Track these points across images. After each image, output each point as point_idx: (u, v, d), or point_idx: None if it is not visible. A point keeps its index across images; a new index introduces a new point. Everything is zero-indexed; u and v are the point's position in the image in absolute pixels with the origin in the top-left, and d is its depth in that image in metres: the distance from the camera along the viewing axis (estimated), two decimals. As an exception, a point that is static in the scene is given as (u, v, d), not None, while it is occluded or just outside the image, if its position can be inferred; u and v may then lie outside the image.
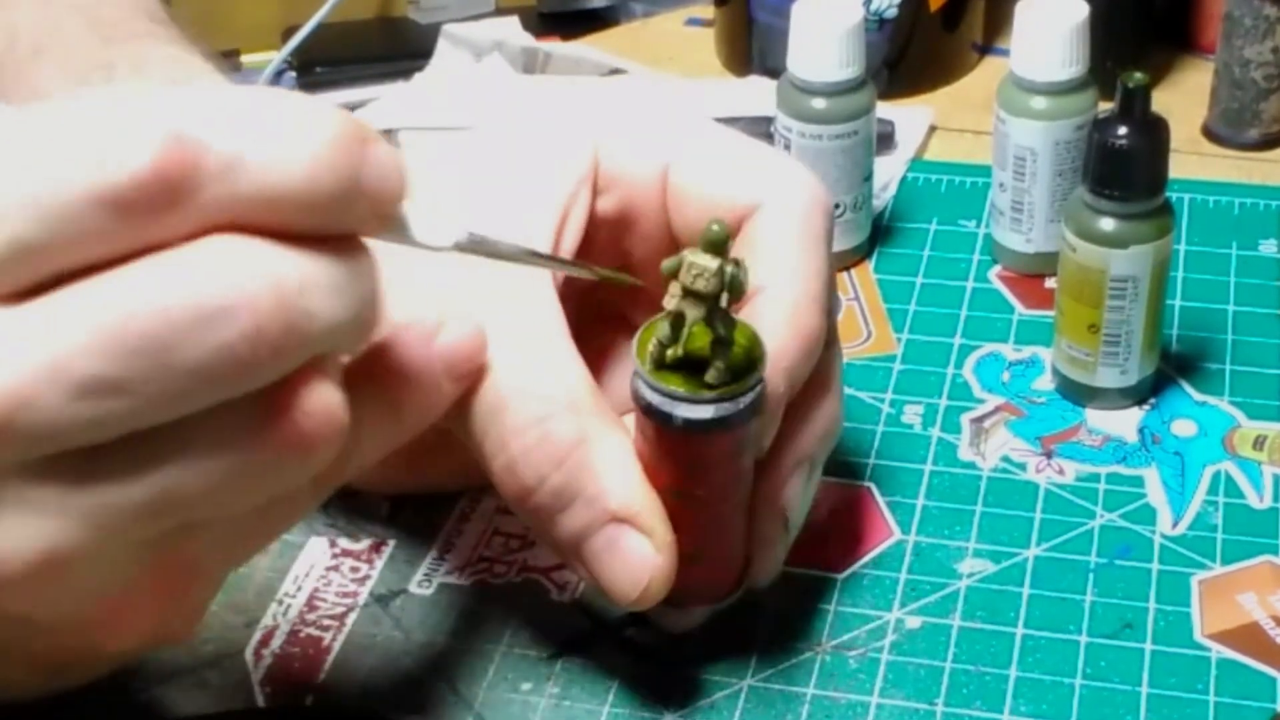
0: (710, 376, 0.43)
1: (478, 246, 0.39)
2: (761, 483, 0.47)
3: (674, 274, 0.42)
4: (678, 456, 0.44)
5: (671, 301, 0.42)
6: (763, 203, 0.48)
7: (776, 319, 0.45)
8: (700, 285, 0.41)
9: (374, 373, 0.39)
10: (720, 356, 0.43)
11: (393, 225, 0.36)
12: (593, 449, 0.44)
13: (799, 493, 0.48)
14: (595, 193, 0.49)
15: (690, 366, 0.43)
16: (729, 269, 0.42)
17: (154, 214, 0.32)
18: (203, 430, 0.34)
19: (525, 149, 0.50)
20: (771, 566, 0.49)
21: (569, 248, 0.48)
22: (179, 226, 0.32)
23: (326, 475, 0.37)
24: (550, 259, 0.43)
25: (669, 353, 0.43)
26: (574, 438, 0.44)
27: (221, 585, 0.40)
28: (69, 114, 0.33)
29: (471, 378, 0.43)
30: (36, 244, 0.32)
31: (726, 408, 0.43)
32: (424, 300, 0.43)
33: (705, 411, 0.43)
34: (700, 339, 0.43)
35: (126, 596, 0.36)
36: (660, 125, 0.50)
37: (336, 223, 0.34)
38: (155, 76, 0.58)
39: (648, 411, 0.43)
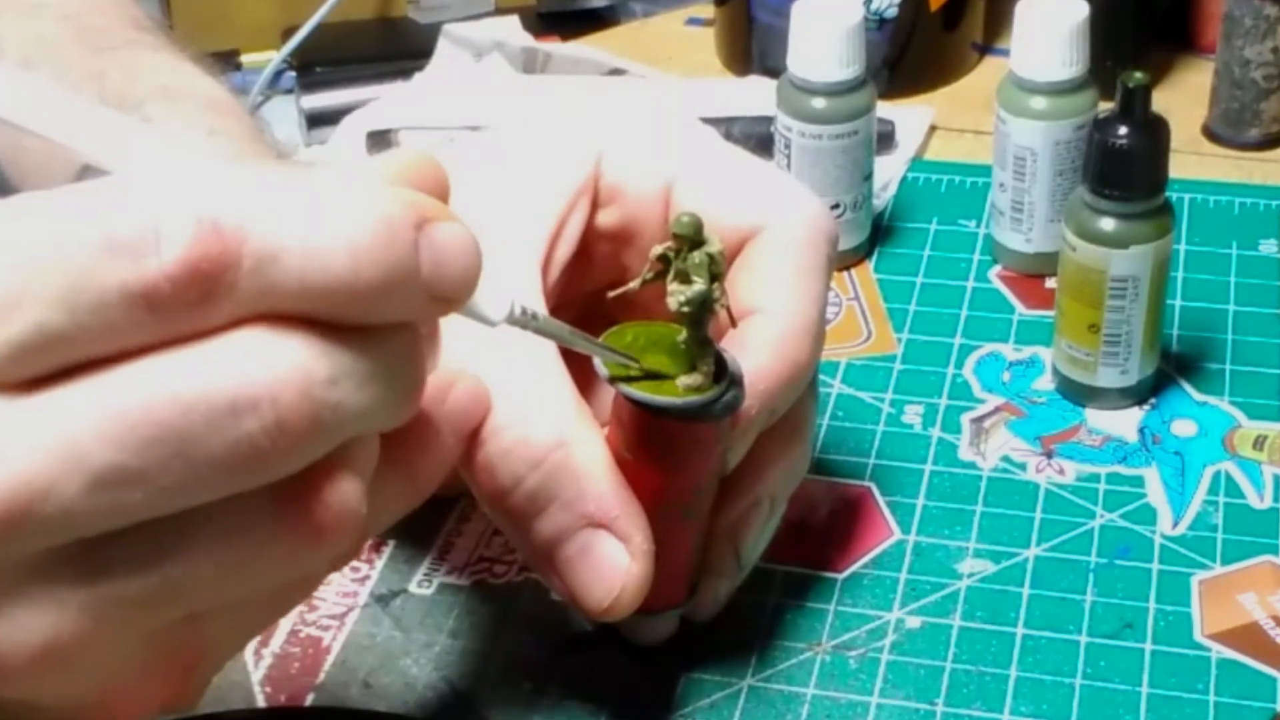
0: (700, 372, 0.43)
1: (527, 322, 0.38)
2: (721, 512, 0.47)
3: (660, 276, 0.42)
4: (656, 448, 0.44)
5: (672, 301, 0.42)
6: (764, 226, 0.47)
7: (765, 341, 0.45)
8: (686, 308, 0.42)
9: (389, 443, 0.38)
10: (707, 357, 0.43)
11: (459, 307, 0.34)
12: (572, 452, 0.44)
13: (757, 529, 0.48)
14: (596, 205, 0.49)
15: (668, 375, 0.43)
16: (699, 287, 0.41)
17: (186, 308, 0.31)
18: (217, 520, 0.33)
19: (527, 156, 0.49)
20: (715, 599, 0.49)
21: (562, 257, 0.47)
22: (211, 318, 0.31)
23: (340, 555, 0.37)
24: (591, 342, 0.42)
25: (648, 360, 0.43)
26: (553, 440, 0.44)
27: (229, 660, 0.39)
28: (99, 195, 0.31)
29: (474, 432, 0.43)
30: (63, 334, 0.30)
31: (711, 396, 0.43)
32: None
33: (692, 400, 0.43)
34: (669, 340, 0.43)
35: (132, 681, 0.35)
36: (666, 140, 0.50)
37: (383, 313, 0.33)
38: (147, 84, 0.57)
39: (632, 402, 0.43)
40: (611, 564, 0.44)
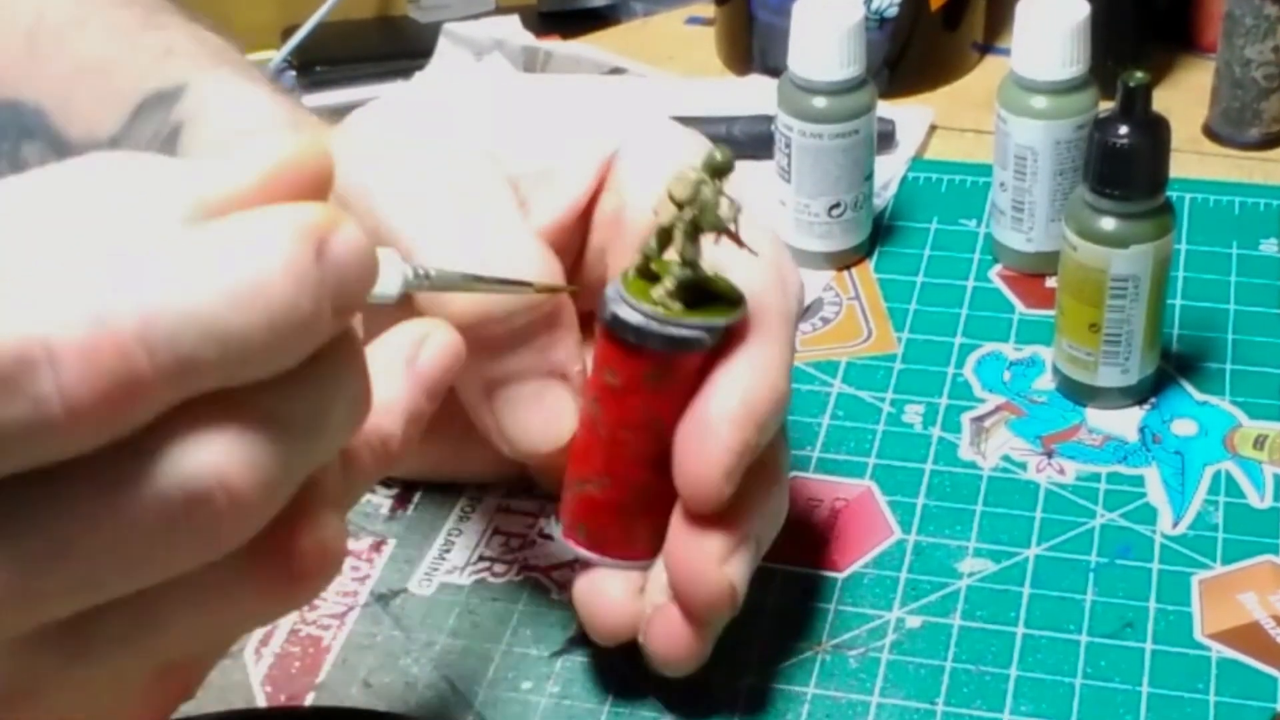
0: (661, 290, 0.43)
1: (421, 283, 0.38)
2: (709, 541, 0.46)
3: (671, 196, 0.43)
4: (607, 360, 0.44)
5: (665, 217, 0.43)
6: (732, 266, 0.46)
7: (748, 367, 0.45)
8: (678, 191, 0.42)
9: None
10: (683, 275, 0.43)
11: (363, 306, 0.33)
12: (565, 307, 0.46)
13: (746, 570, 0.46)
14: (602, 187, 0.49)
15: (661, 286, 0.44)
16: (708, 190, 0.42)
17: (95, 431, 0.28)
18: (191, 586, 0.31)
19: (558, 133, 0.50)
20: (701, 648, 0.47)
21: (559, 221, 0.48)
22: (131, 424, 0.29)
23: None
24: (488, 280, 0.42)
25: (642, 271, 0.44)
26: (549, 299, 0.45)
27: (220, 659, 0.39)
28: None
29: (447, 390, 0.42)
30: None
31: (678, 330, 0.43)
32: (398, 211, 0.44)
33: (649, 323, 0.43)
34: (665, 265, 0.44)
35: (141, 707, 0.35)
36: (670, 154, 0.49)
37: (308, 347, 0.31)
38: (212, 45, 0.59)
39: (601, 312, 0.44)
40: (560, 413, 0.46)
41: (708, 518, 0.45)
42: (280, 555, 0.32)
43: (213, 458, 0.30)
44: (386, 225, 0.45)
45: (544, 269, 0.45)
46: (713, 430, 0.44)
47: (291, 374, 0.31)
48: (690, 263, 0.43)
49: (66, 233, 0.29)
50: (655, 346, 0.43)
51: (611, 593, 0.47)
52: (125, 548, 0.30)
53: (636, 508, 0.46)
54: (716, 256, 0.44)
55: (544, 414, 0.46)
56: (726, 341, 0.45)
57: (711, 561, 0.45)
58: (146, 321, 0.28)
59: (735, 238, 0.43)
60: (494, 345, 0.45)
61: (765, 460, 0.46)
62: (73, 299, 0.28)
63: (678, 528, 0.46)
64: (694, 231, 0.43)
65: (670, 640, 0.46)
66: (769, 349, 0.45)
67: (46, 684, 0.32)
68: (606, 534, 0.47)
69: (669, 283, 0.43)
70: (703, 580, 0.45)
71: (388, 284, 0.35)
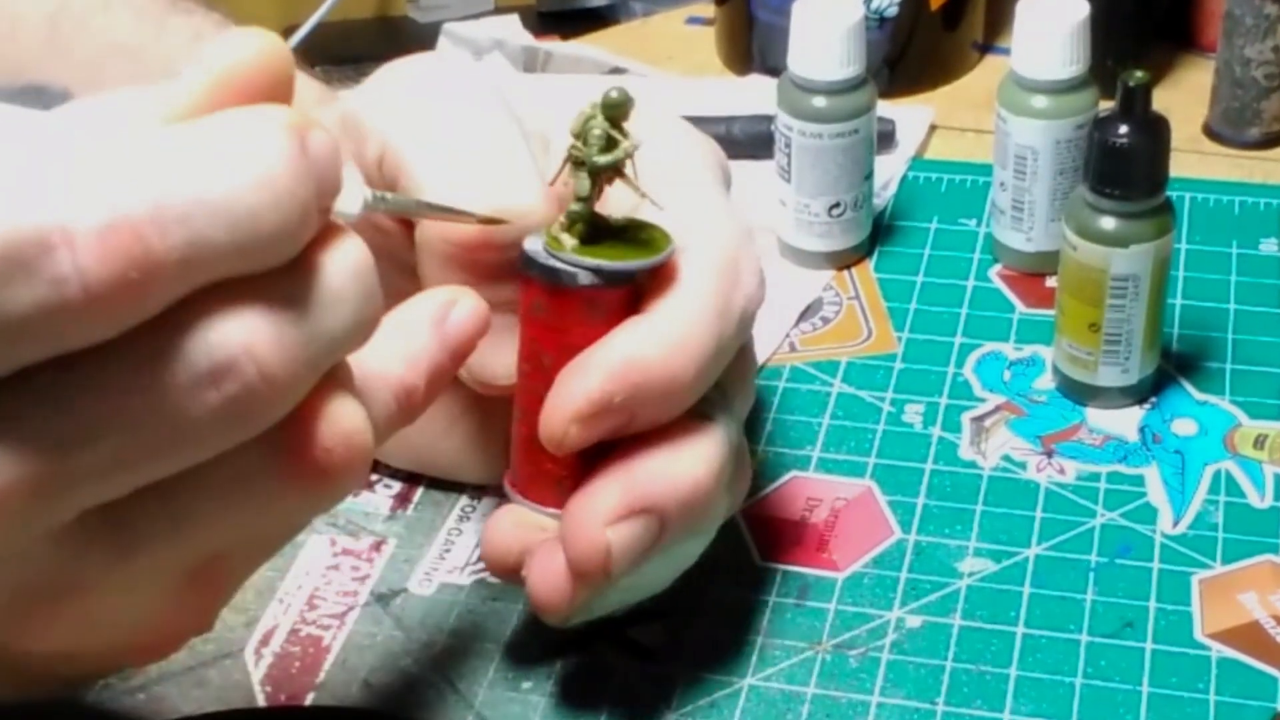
0: (554, 228, 0.44)
1: (378, 204, 0.38)
2: (601, 497, 0.44)
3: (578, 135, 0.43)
4: (528, 304, 0.44)
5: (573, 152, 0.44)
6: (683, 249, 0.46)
7: (649, 325, 0.44)
8: (571, 125, 0.43)
9: (382, 362, 0.38)
10: (576, 211, 0.44)
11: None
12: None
13: (633, 541, 0.44)
14: None
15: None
16: (596, 126, 0.43)
17: (116, 315, 0.30)
18: (224, 476, 0.33)
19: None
20: (573, 603, 0.45)
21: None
22: (150, 309, 0.31)
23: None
24: (437, 207, 0.43)
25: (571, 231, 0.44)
26: (535, 202, 0.45)
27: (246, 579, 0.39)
28: None
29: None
30: None
31: (595, 264, 0.44)
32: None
33: (552, 261, 0.44)
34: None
35: (161, 619, 0.36)
36: (671, 150, 0.49)
37: (305, 240, 0.33)
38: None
39: (520, 259, 0.44)
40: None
41: (612, 477, 0.44)
42: (304, 437, 0.33)
43: (237, 329, 0.31)
44: (409, 174, 0.45)
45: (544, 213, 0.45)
46: (581, 369, 0.43)
47: (297, 262, 0.32)
48: (583, 198, 0.43)
49: (66, 142, 0.31)
50: (534, 275, 0.44)
51: (503, 522, 0.47)
52: (157, 423, 0.31)
53: (537, 446, 0.45)
54: (677, 209, 0.44)
55: (507, 348, 0.45)
56: (642, 291, 0.44)
57: (596, 518, 0.43)
58: (158, 205, 0.30)
59: (627, 179, 0.43)
60: (483, 271, 0.45)
61: (686, 438, 0.44)
62: (86, 189, 0.29)
63: (585, 479, 0.44)
64: (583, 168, 0.43)
65: (545, 578, 0.45)
66: (681, 309, 0.44)
67: (92, 580, 0.33)
68: (519, 471, 0.46)
69: (563, 218, 0.44)
70: (583, 534, 0.43)
71: (350, 202, 0.36)
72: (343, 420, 0.34)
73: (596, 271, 0.44)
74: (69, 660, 0.37)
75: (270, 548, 0.38)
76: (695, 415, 0.45)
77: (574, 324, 0.44)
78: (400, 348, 0.39)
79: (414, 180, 0.45)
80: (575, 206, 0.44)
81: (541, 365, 0.45)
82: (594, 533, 0.43)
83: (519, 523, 0.46)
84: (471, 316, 0.40)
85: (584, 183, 0.44)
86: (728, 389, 0.47)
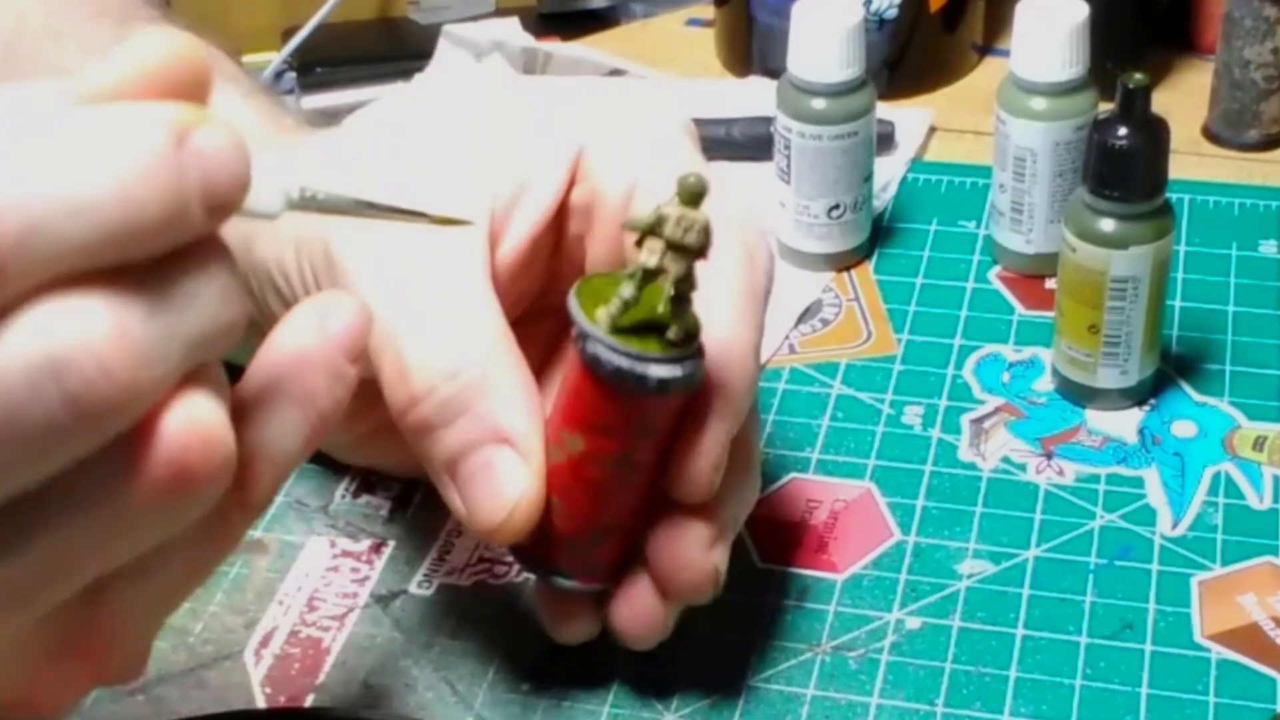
0: (673, 334, 0.42)
1: (309, 204, 0.36)
2: (695, 529, 0.46)
3: (650, 230, 0.41)
4: (633, 418, 0.44)
5: (653, 258, 0.41)
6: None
7: (720, 349, 0.45)
8: (691, 240, 0.41)
9: (273, 374, 0.36)
10: (681, 315, 0.42)
11: (237, 209, 0.32)
12: (491, 369, 0.44)
13: (728, 551, 0.47)
14: (573, 182, 0.49)
15: (643, 328, 0.43)
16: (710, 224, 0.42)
17: None
18: (68, 489, 0.31)
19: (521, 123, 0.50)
20: (669, 624, 0.48)
21: (522, 229, 0.48)
22: None
23: (247, 495, 0.34)
24: (382, 207, 0.39)
25: (627, 316, 0.42)
26: (477, 355, 0.44)
27: (162, 625, 0.37)
28: None
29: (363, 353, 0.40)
30: None
31: (693, 365, 0.43)
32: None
33: (677, 370, 0.43)
34: (655, 296, 0.42)
35: (44, 669, 0.34)
36: (645, 141, 0.49)
37: (168, 241, 0.31)
38: None
39: (617, 375, 0.42)
40: (509, 480, 0.44)
41: (691, 507, 0.46)
42: (158, 437, 0.31)
43: (77, 320, 0.30)
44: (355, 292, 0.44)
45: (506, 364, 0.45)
46: (700, 429, 0.45)
47: (160, 262, 0.31)
48: (688, 298, 0.42)
49: None
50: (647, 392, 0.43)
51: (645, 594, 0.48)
52: None
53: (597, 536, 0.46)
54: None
55: (492, 484, 0.44)
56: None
57: (701, 548, 0.46)
58: None
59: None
60: (427, 425, 0.44)
61: (739, 444, 0.46)
62: None
63: (662, 518, 0.46)
64: (681, 253, 0.42)
65: (641, 617, 0.48)
66: (741, 334, 0.46)
67: None
68: (577, 562, 0.47)
69: (682, 322, 0.43)
70: (693, 567, 0.46)
71: (269, 201, 0.34)
72: (199, 418, 0.32)
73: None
74: None
75: (165, 591, 0.35)
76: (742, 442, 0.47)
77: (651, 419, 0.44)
78: (290, 346, 0.36)
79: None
80: (679, 310, 0.42)
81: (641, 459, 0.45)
82: (703, 562, 0.46)
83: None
84: (352, 314, 0.37)
85: (679, 265, 0.42)
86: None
